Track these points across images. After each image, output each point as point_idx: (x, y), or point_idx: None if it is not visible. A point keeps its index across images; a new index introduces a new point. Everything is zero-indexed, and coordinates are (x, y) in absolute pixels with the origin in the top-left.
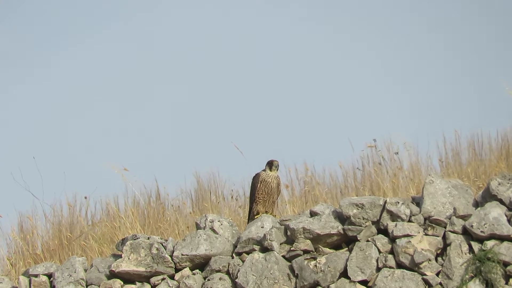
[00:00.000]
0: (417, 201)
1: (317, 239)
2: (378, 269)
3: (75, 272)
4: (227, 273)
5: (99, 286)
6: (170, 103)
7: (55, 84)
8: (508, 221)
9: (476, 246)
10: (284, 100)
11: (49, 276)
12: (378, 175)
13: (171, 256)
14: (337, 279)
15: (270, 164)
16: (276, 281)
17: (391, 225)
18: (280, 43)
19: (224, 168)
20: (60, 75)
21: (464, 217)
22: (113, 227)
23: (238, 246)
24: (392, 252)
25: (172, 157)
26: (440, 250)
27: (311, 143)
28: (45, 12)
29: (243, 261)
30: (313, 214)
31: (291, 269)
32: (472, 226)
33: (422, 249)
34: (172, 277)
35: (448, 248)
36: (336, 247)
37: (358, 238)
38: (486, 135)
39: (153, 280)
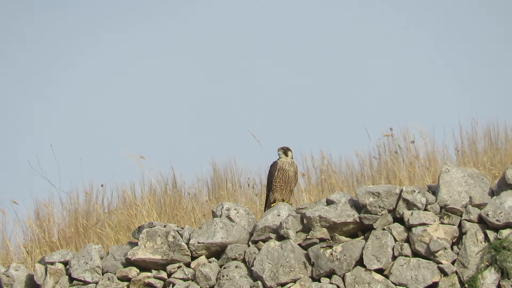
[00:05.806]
0: (433, 190)
1: (333, 227)
2: (394, 258)
3: (91, 259)
4: (243, 261)
5: (115, 274)
6: (188, 91)
7: (73, 71)
8: None
9: (491, 234)
10: (301, 88)
11: (65, 263)
12: (394, 163)
13: (187, 244)
14: (353, 268)
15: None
16: (292, 269)
17: (407, 213)
18: (296, 32)
19: (240, 156)
20: (81, 63)
21: (479, 206)
22: (129, 215)
23: (254, 234)
24: (408, 240)
25: (189, 145)
26: (455, 239)
27: (328, 131)
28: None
29: (259, 249)
30: (329, 202)
31: (307, 257)
32: (487, 215)
33: (438, 238)
34: (188, 265)
35: (463, 236)
36: (352, 235)
37: (374, 227)
38: (502, 124)
39: (169, 268)
